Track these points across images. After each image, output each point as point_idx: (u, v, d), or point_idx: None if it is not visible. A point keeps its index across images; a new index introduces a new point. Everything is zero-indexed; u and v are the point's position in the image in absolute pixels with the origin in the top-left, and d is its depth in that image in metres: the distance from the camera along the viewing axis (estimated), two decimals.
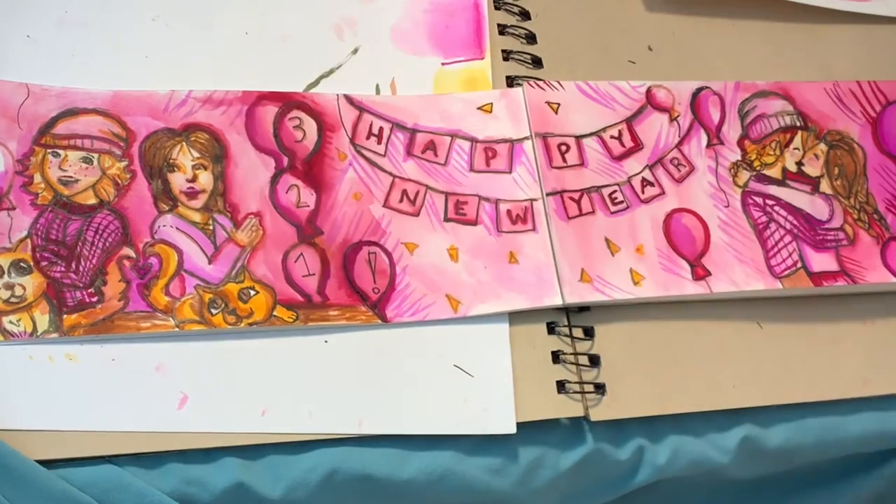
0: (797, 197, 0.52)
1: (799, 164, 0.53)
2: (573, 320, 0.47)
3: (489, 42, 0.52)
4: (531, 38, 0.53)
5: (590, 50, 0.54)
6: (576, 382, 0.46)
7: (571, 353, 0.46)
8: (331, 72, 0.49)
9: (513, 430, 0.43)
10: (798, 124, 0.54)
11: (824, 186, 0.53)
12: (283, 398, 0.42)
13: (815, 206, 0.52)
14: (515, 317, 0.46)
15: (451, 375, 0.44)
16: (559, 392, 0.45)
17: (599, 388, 0.46)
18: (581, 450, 0.45)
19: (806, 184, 0.53)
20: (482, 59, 0.52)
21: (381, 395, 0.43)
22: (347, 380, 0.43)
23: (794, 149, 0.53)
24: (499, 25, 0.53)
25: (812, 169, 0.53)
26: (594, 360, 0.46)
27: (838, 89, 0.55)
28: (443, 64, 0.51)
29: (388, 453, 0.43)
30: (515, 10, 0.53)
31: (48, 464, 0.39)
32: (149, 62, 0.47)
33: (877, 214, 0.53)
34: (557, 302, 0.46)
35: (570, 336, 0.47)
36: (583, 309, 0.47)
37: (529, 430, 0.44)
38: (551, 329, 0.46)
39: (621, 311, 0.47)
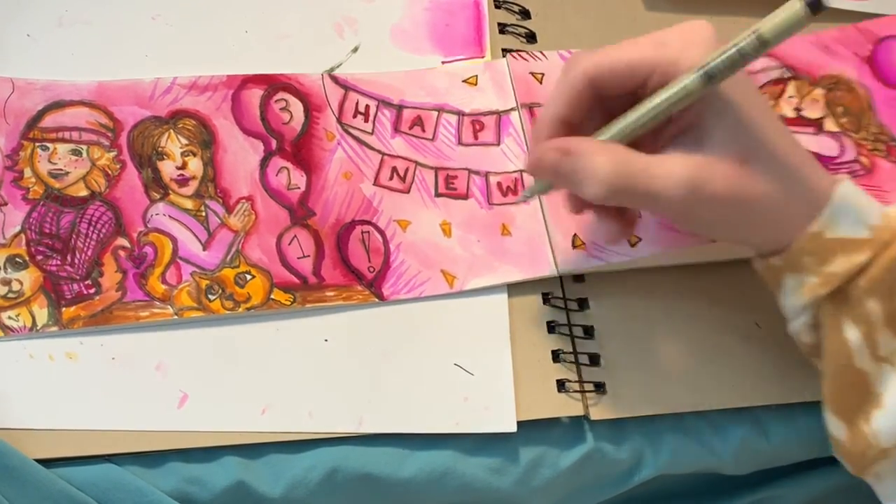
0: (802, 140, 0.53)
1: (797, 109, 0.55)
2: (573, 319, 0.48)
3: (489, 41, 0.54)
4: (531, 37, 0.55)
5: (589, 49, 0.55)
6: (576, 381, 0.47)
7: (571, 353, 0.47)
8: (331, 70, 0.51)
9: (513, 428, 0.45)
10: (788, 76, 0.56)
11: (829, 125, 0.54)
12: (283, 397, 0.44)
13: (823, 144, 0.53)
14: (515, 315, 0.47)
15: (452, 374, 0.45)
16: (559, 391, 0.46)
17: (599, 388, 0.47)
18: (581, 448, 0.46)
19: (808, 126, 0.54)
20: (482, 57, 0.53)
21: (381, 394, 0.45)
22: (347, 379, 0.45)
23: (790, 97, 0.55)
24: (499, 24, 0.54)
25: (812, 112, 0.54)
26: (594, 359, 0.47)
27: (820, 39, 0.57)
28: (443, 62, 0.53)
29: (389, 452, 0.44)
30: (516, 8, 0.55)
31: (48, 463, 0.40)
32: (149, 61, 0.49)
33: (894, 141, 0.54)
34: (552, 272, 0.48)
35: (571, 335, 0.48)
36: (583, 307, 0.48)
37: (529, 429, 0.45)
38: (551, 328, 0.48)
39: (622, 310, 0.48)
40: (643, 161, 0.41)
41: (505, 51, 0.54)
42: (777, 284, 0.44)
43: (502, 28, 0.54)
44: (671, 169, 0.40)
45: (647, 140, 0.42)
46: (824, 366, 0.44)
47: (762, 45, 0.38)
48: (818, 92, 0.55)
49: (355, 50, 0.52)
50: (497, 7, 0.55)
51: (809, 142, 0.54)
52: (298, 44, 0.51)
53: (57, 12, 0.49)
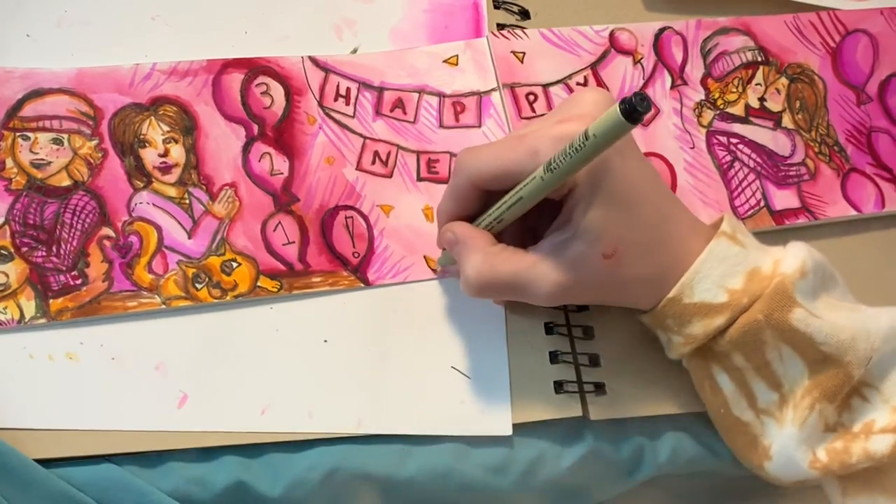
0: (760, 133, 0.56)
1: (761, 99, 0.57)
2: (572, 319, 0.49)
3: None
4: None
5: None
6: (574, 382, 0.48)
7: (570, 353, 0.48)
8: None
9: (509, 431, 0.46)
10: (759, 59, 0.57)
11: (786, 121, 0.56)
12: (283, 397, 0.45)
13: (778, 142, 0.56)
14: (513, 317, 0.49)
15: (449, 377, 0.47)
16: (557, 392, 0.47)
17: (599, 388, 0.48)
18: (581, 448, 0.47)
19: (768, 119, 0.56)
20: None
21: (379, 396, 0.46)
22: (346, 380, 0.46)
23: (756, 84, 0.57)
24: (498, 25, 0.55)
25: (774, 104, 0.57)
26: (594, 360, 0.48)
27: (798, 21, 0.59)
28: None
29: (388, 452, 0.45)
30: (515, 9, 0.55)
31: (47, 463, 0.41)
32: (148, 61, 0.49)
33: (837, 146, 0.57)
34: None
35: (569, 336, 0.49)
36: (581, 308, 0.49)
37: (530, 429, 0.47)
38: (549, 329, 0.49)
39: (620, 309, 0.48)
40: (513, 266, 0.44)
41: None
42: (656, 335, 0.48)
43: (501, 29, 0.55)
44: (542, 274, 0.43)
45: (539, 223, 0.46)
46: (708, 411, 0.47)
47: (586, 139, 0.39)
48: (782, 81, 0.57)
49: (354, 51, 0.52)
50: (496, 7, 0.55)
51: (766, 137, 0.56)
52: (298, 45, 0.51)
53: (56, 13, 0.49)
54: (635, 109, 0.37)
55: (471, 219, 0.46)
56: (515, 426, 0.46)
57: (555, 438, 0.47)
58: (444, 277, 0.49)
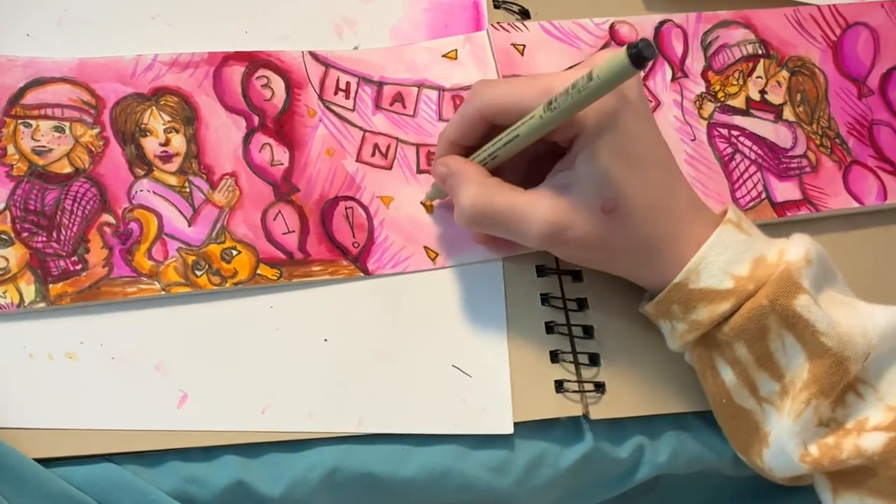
0: (761, 126, 0.56)
1: (762, 92, 0.57)
2: (572, 319, 0.49)
3: None
4: None
5: None
6: (574, 381, 0.48)
7: (570, 353, 0.48)
8: None
9: (510, 430, 0.46)
10: (760, 52, 0.58)
11: (787, 114, 0.57)
12: (283, 397, 0.45)
13: (779, 134, 0.56)
14: (514, 316, 0.49)
15: (450, 375, 0.47)
16: (557, 391, 0.48)
17: (599, 387, 0.48)
18: (581, 448, 0.47)
19: (769, 112, 0.57)
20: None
21: (380, 395, 0.46)
22: (347, 379, 0.46)
23: (757, 77, 0.57)
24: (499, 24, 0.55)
25: (775, 97, 0.57)
26: (594, 359, 0.49)
27: (799, 14, 0.59)
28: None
29: (389, 452, 0.45)
30: (515, 8, 0.56)
31: (47, 462, 0.41)
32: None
33: (839, 139, 0.57)
34: (529, 248, 0.49)
35: (569, 335, 0.49)
36: (582, 307, 0.50)
37: (530, 429, 0.47)
38: (549, 329, 0.49)
39: (621, 310, 0.49)
40: (510, 199, 0.44)
41: None
42: (658, 328, 0.48)
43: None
44: (536, 211, 0.44)
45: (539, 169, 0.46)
46: (709, 401, 0.47)
47: (590, 80, 0.40)
48: (783, 74, 0.57)
49: (355, 49, 0.53)
50: (496, 7, 0.56)
51: (767, 130, 0.56)
52: (298, 44, 0.52)
53: (57, 12, 0.50)
54: (641, 55, 0.38)
55: (467, 154, 0.47)
56: (516, 425, 0.46)
57: (555, 438, 0.47)
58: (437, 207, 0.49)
